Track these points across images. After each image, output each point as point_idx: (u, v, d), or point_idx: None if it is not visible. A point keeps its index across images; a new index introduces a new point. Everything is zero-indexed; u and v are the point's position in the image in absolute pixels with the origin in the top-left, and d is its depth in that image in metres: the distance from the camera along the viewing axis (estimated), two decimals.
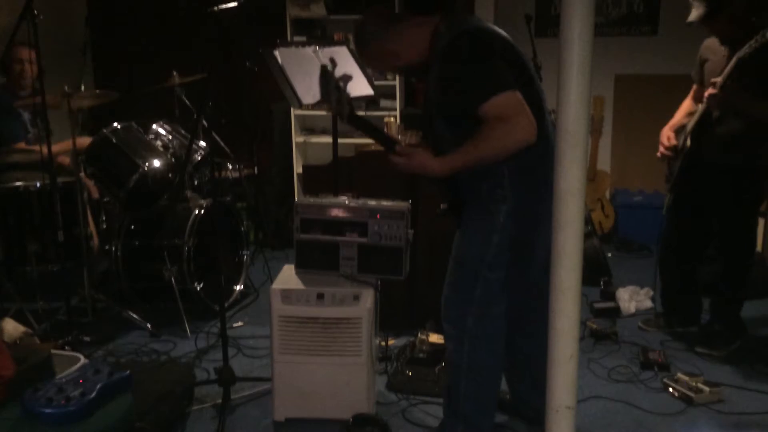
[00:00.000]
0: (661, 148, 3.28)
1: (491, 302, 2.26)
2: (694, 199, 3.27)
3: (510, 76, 2.02)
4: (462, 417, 2.36)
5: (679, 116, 3.34)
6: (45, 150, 3.16)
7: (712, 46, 3.16)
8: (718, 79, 2.95)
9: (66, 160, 3.82)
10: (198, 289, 3.63)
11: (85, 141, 3.74)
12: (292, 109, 5.43)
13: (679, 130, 3.26)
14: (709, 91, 2.99)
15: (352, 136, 5.42)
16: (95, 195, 3.99)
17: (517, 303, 2.34)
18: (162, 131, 3.90)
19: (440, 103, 2.16)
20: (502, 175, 2.15)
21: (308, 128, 5.76)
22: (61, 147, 3.73)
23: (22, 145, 3.85)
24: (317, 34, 5.45)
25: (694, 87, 3.32)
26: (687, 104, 3.36)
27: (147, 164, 3.58)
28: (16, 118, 3.88)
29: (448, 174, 2.15)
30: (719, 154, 3.09)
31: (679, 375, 2.93)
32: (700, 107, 3.11)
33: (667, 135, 3.28)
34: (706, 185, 3.18)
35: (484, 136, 2.01)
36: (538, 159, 2.10)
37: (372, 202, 2.60)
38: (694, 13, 2.97)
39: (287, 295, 2.57)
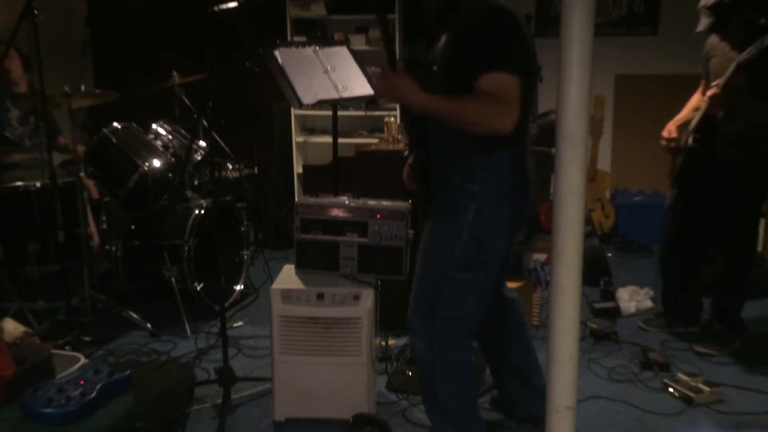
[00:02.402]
0: (663, 142, 3.30)
1: (459, 303, 2.21)
2: (698, 198, 3.27)
3: (523, 66, 2.02)
4: (448, 415, 2.33)
5: (685, 111, 3.35)
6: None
7: (716, 42, 3.17)
8: (720, 81, 2.97)
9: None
10: (198, 289, 3.63)
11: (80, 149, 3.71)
12: (292, 109, 5.44)
13: (683, 126, 3.27)
14: (711, 92, 3.01)
15: (352, 136, 5.43)
16: (95, 195, 3.99)
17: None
18: (162, 131, 3.89)
19: (450, 61, 2.10)
20: (475, 168, 2.12)
21: (308, 128, 5.76)
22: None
23: None
24: (317, 34, 5.45)
25: (702, 81, 3.32)
26: (695, 98, 3.36)
27: (147, 164, 3.58)
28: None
29: (419, 107, 2.08)
30: (722, 151, 3.10)
31: (679, 375, 2.93)
32: (703, 106, 3.12)
33: (668, 129, 3.29)
34: (709, 183, 3.19)
35: (471, 101, 2.00)
36: (513, 161, 2.13)
37: (372, 202, 2.60)
38: (703, 23, 3.02)
39: (287, 295, 2.57)
